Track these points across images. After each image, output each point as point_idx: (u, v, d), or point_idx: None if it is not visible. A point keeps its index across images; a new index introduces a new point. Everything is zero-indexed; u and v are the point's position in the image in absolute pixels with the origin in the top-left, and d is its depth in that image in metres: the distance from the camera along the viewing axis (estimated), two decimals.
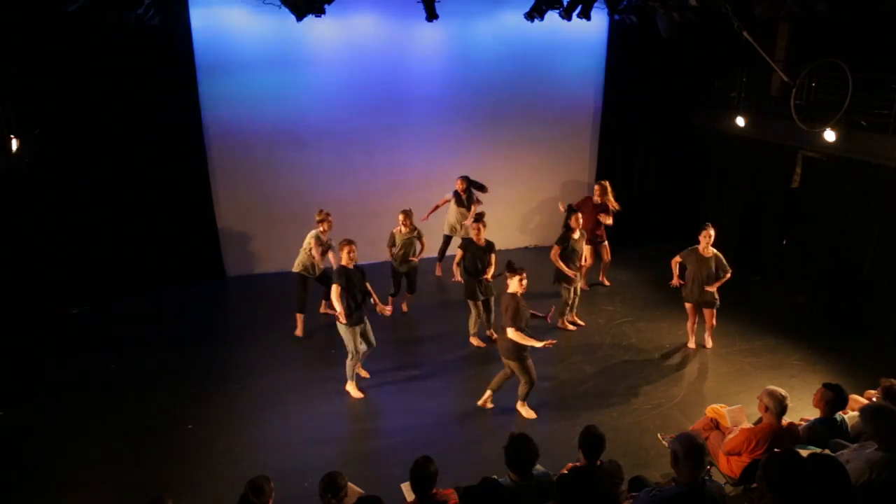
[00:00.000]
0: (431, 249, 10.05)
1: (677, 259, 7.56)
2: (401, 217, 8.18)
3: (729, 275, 7.39)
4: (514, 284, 6.05)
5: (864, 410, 3.84)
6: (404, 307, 8.83)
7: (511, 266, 6.12)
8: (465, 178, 9.57)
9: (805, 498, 2.89)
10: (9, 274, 7.97)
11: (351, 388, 6.83)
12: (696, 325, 7.81)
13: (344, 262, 6.39)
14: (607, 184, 9.37)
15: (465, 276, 7.63)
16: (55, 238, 8.65)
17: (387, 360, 7.49)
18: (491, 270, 7.59)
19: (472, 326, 7.93)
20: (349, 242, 6.44)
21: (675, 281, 7.68)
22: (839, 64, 7.56)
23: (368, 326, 6.75)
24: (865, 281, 8.37)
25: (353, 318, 6.47)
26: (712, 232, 7.31)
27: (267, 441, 6.09)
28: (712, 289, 7.34)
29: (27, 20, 7.76)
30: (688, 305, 7.66)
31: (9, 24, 7.62)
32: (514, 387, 6.55)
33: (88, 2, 6.76)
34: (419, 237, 8.34)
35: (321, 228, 7.78)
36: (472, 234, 7.58)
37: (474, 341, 7.97)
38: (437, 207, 9.73)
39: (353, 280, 6.40)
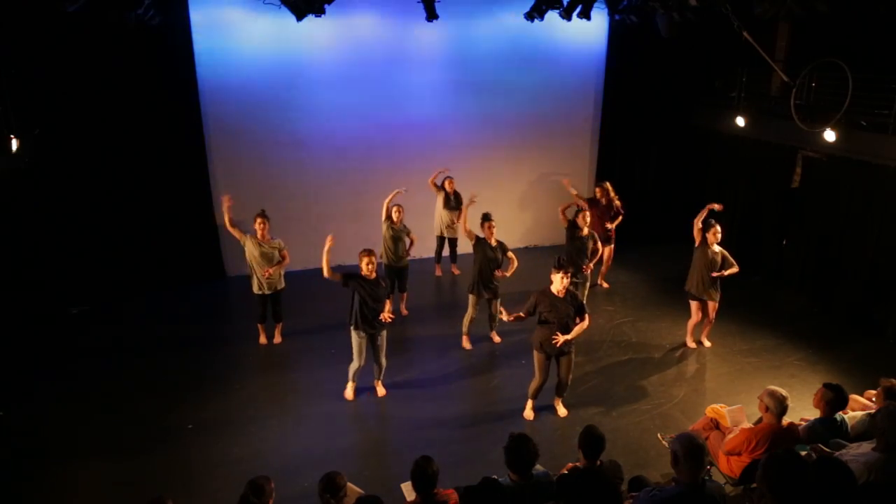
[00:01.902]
0: (427, 250, 10.07)
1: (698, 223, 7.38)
2: (394, 210, 8.17)
3: (736, 268, 7.39)
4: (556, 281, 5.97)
5: (886, 408, 3.80)
6: (404, 310, 8.83)
7: (558, 262, 6.03)
8: (454, 181, 9.58)
9: (805, 498, 2.89)
10: (9, 274, 7.97)
11: (348, 388, 6.80)
12: (696, 324, 7.79)
13: (363, 272, 6.30)
14: (608, 185, 9.37)
15: (474, 286, 7.56)
16: (55, 238, 8.65)
17: (387, 360, 7.47)
18: (512, 268, 7.50)
19: (465, 325, 7.84)
20: (368, 253, 6.31)
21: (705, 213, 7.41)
22: (839, 64, 7.57)
23: (383, 343, 6.62)
24: (865, 281, 8.37)
25: (361, 325, 6.39)
26: (719, 229, 7.33)
27: (267, 441, 6.09)
28: (718, 275, 7.30)
29: (27, 20, 7.76)
30: (694, 304, 7.59)
31: (9, 24, 7.62)
32: (520, 387, 6.60)
33: (88, 2, 6.76)
34: (407, 233, 8.30)
35: (258, 234, 7.36)
36: (484, 233, 7.42)
37: (465, 342, 7.89)
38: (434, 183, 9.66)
39: (367, 289, 6.28)
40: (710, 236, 7.33)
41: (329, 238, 6.38)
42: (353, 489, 4.25)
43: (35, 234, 8.42)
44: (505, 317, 6.09)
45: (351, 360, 6.63)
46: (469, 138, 10.76)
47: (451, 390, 7.07)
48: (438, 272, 10.26)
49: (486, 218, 7.50)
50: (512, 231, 11.44)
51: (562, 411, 6.49)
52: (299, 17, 8.25)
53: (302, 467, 5.55)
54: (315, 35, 9.36)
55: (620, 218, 9.35)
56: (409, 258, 8.46)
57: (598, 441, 4.04)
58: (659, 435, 6.07)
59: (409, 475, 3.83)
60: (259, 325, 7.91)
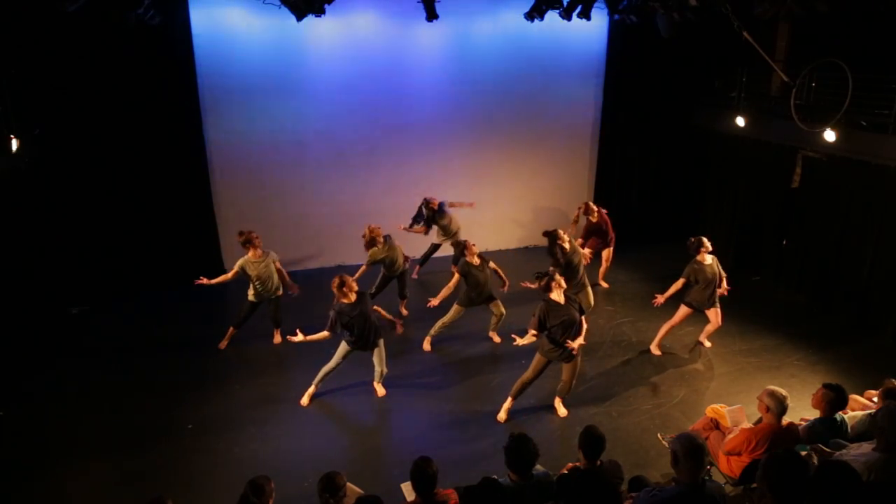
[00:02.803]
0: (421, 251, 10.03)
1: (682, 281, 7.30)
2: (367, 232, 8.01)
3: (724, 277, 7.38)
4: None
5: (886, 407, 3.80)
6: (403, 311, 8.83)
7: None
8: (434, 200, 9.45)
9: (805, 498, 2.89)
10: (9, 274, 7.97)
11: (305, 395, 6.72)
12: (673, 328, 7.70)
13: (344, 301, 6.22)
14: (583, 207, 9.36)
15: (466, 298, 7.55)
16: (55, 238, 8.66)
17: (388, 369, 7.45)
18: (506, 282, 7.52)
19: (435, 328, 7.80)
20: (343, 282, 6.23)
21: (661, 300, 7.38)
22: (839, 64, 7.56)
23: (382, 354, 6.62)
24: (865, 281, 8.37)
25: (353, 345, 6.44)
26: (709, 245, 7.22)
27: (267, 441, 6.09)
28: (722, 290, 7.30)
29: (27, 20, 7.76)
30: (687, 311, 7.46)
31: (9, 24, 7.62)
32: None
33: (88, 2, 6.76)
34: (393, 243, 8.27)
35: (249, 255, 7.33)
36: (467, 257, 7.41)
37: (426, 343, 7.87)
38: (426, 229, 9.56)
39: (354, 315, 6.23)
40: (702, 251, 7.19)
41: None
42: (353, 489, 4.25)
43: (35, 234, 8.42)
44: (520, 342, 6.06)
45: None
46: (468, 138, 10.75)
47: (451, 390, 7.07)
48: (415, 275, 10.05)
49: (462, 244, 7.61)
50: (510, 231, 11.47)
51: (562, 411, 6.49)
52: (299, 17, 8.25)
53: (302, 467, 5.55)
54: (315, 35, 9.36)
55: (611, 232, 9.42)
56: (406, 264, 8.48)
57: (598, 441, 4.04)
58: (659, 435, 6.07)
59: (409, 475, 3.83)
60: (232, 328, 7.84)
